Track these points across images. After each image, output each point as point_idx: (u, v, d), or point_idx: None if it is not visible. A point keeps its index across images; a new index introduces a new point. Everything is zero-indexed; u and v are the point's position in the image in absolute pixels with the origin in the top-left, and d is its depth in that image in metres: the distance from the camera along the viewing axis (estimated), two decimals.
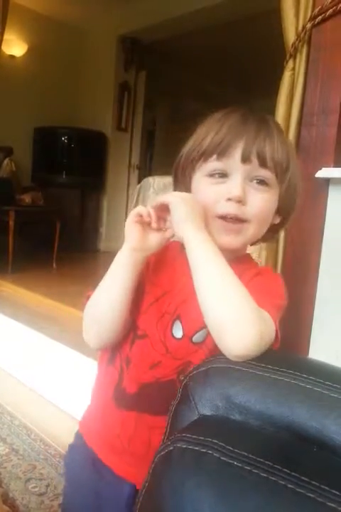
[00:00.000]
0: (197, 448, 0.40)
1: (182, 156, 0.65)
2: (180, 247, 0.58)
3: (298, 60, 1.26)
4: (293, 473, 0.35)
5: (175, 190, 0.68)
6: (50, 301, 2.46)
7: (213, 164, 0.60)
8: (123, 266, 0.61)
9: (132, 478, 0.65)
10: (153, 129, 5.83)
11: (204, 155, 0.61)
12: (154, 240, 0.61)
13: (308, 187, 1.15)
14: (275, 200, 0.62)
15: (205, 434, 0.41)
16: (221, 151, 0.59)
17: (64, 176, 4.48)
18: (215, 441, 0.40)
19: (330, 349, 1.18)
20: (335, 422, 0.40)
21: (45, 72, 4.42)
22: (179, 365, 0.62)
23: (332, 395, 0.42)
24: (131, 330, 0.65)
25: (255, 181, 0.60)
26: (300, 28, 1.22)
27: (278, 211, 0.65)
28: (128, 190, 4.90)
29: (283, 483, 0.35)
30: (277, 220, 0.66)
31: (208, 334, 0.59)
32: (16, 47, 4.20)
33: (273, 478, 0.35)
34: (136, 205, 2.02)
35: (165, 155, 5.50)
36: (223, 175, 0.60)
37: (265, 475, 0.36)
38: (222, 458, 0.38)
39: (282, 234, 1.26)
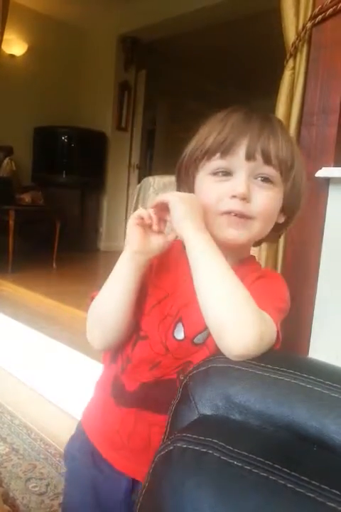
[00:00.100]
0: (197, 448, 0.40)
1: (186, 155, 0.65)
2: (182, 247, 0.58)
3: (298, 59, 1.26)
4: (292, 473, 0.35)
5: (178, 190, 0.68)
6: (50, 301, 2.46)
7: (216, 162, 0.60)
8: (125, 269, 0.61)
9: (130, 473, 0.66)
10: (153, 129, 5.83)
11: (208, 153, 0.61)
12: (156, 242, 0.60)
13: (308, 187, 1.15)
14: (280, 198, 0.62)
15: (205, 433, 0.41)
16: (224, 149, 0.59)
17: (64, 176, 4.48)
18: (215, 440, 0.40)
19: (330, 349, 1.18)
20: (335, 422, 0.40)
21: (45, 72, 4.43)
22: (179, 364, 0.62)
23: (332, 394, 0.42)
24: (134, 331, 0.65)
25: (259, 179, 0.59)
26: (300, 27, 1.22)
27: (283, 210, 0.64)
28: (128, 190, 4.90)
29: (283, 482, 0.35)
30: (282, 219, 0.66)
31: (209, 335, 0.59)
32: (16, 46, 4.20)
33: (273, 478, 0.35)
34: (136, 205, 2.03)
35: (165, 155, 5.51)
36: (227, 173, 0.60)
37: (265, 474, 0.36)
38: (222, 458, 0.38)
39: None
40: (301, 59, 1.25)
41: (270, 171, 0.59)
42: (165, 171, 1.87)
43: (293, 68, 1.27)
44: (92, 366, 1.59)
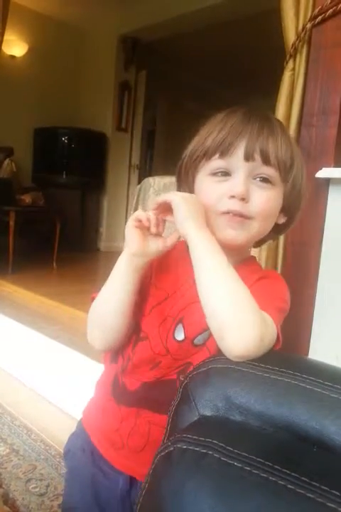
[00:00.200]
0: (197, 448, 0.40)
1: (185, 156, 0.65)
2: (185, 248, 0.58)
3: (298, 60, 1.26)
4: (293, 474, 0.35)
5: (178, 190, 0.68)
6: (50, 301, 2.46)
7: (216, 163, 0.60)
8: (124, 270, 0.61)
9: (129, 471, 0.66)
10: (153, 129, 5.83)
11: (207, 154, 0.61)
12: (154, 245, 0.60)
13: (308, 187, 1.15)
14: (279, 199, 0.62)
15: (205, 434, 0.41)
16: (223, 149, 0.59)
17: (64, 176, 4.48)
18: (215, 441, 0.40)
19: (330, 349, 1.18)
20: (335, 423, 0.40)
21: (46, 73, 4.43)
22: (179, 365, 0.62)
23: (332, 395, 0.42)
24: (134, 332, 0.65)
25: (258, 179, 0.59)
26: (300, 28, 1.22)
27: (283, 210, 0.64)
28: (128, 190, 4.91)
29: (283, 483, 0.35)
30: (282, 220, 0.66)
31: (209, 336, 0.59)
32: (17, 47, 4.20)
33: (273, 479, 0.35)
34: (136, 205, 2.02)
35: (165, 155, 5.51)
36: (226, 173, 0.60)
37: (265, 475, 0.36)
38: (223, 458, 0.38)
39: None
40: (301, 60, 1.25)
41: (269, 171, 0.59)
42: (165, 171, 1.87)
43: (293, 69, 1.27)
44: (92, 367, 1.59)
